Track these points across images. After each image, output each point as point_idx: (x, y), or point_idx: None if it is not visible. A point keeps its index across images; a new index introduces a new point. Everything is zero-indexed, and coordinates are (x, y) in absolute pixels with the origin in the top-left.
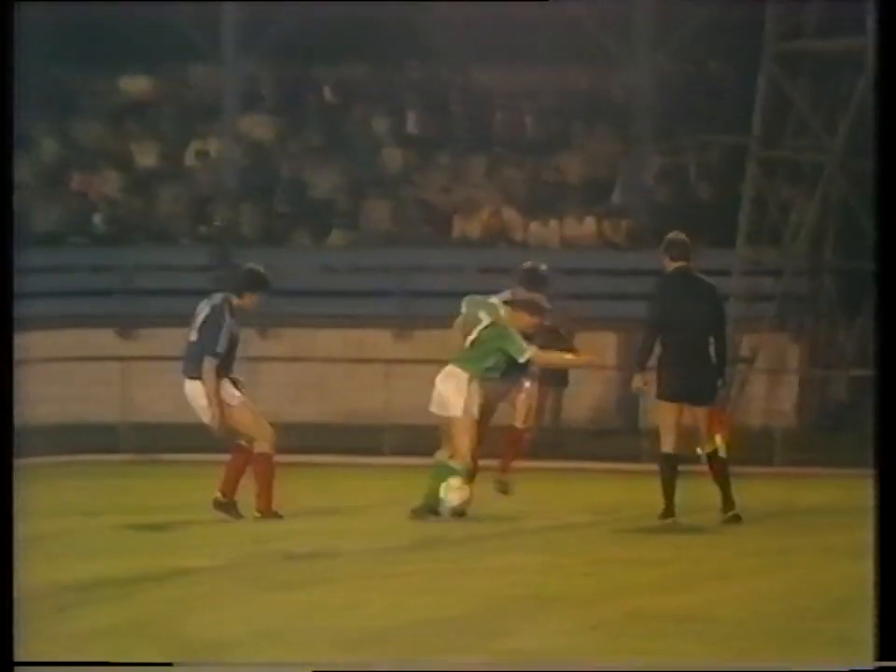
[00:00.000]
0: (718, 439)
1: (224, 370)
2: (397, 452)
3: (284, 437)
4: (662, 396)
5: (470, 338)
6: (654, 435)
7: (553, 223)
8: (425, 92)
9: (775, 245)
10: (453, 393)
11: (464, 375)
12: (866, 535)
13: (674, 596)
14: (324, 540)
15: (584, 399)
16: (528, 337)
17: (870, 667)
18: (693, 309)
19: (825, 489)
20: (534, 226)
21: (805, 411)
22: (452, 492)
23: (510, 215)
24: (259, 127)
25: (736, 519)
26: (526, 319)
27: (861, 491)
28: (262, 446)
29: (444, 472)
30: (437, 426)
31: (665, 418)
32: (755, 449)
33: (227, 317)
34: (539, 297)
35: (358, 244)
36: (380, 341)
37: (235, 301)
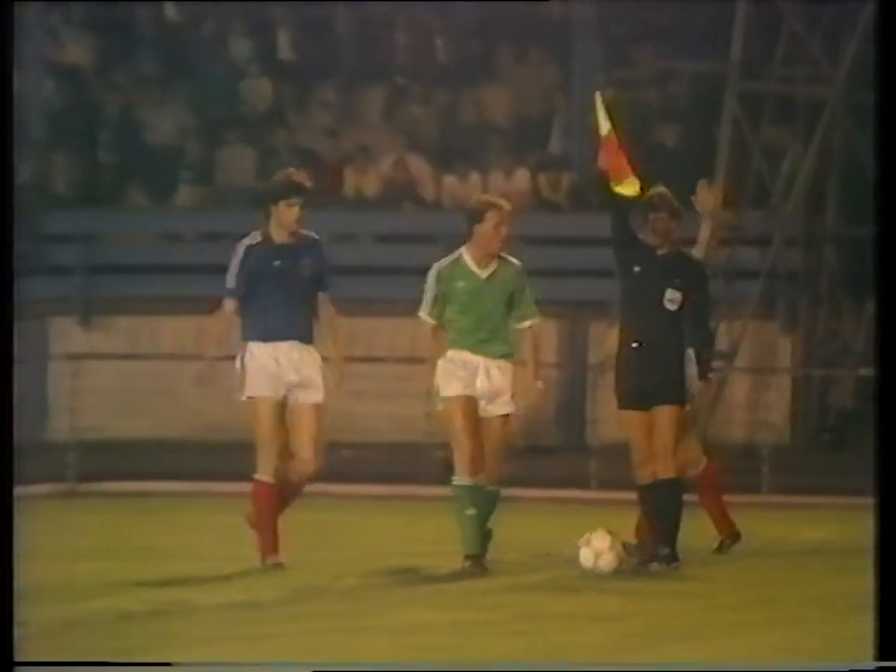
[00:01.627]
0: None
1: (255, 329)
2: None
3: (116, 457)
4: (678, 399)
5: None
6: (608, 453)
7: (475, 177)
8: (301, 6)
9: (760, 206)
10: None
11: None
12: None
13: (627, 660)
14: (170, 593)
15: None
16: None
17: (870, 667)
18: None
19: (825, 524)
20: (449, 181)
21: (800, 422)
22: (594, 553)
23: (417, 166)
24: (73, 51)
25: (651, 559)
26: None
27: (870, 526)
28: (259, 470)
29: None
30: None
31: (677, 432)
32: (736, 472)
33: (243, 244)
34: None
35: (214, 204)
36: None
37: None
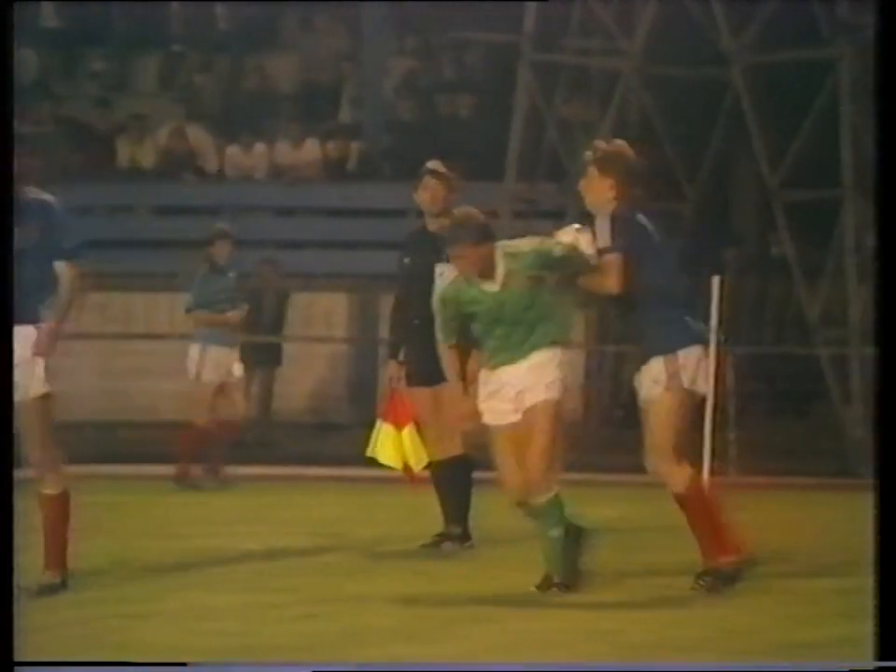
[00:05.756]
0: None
1: None
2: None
3: None
4: None
5: None
6: None
7: (260, 147)
8: None
9: (554, 179)
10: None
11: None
12: (682, 555)
13: (433, 644)
14: None
15: (302, 384)
16: None
17: (870, 667)
18: None
19: (618, 502)
20: (232, 150)
21: (593, 400)
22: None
23: (197, 136)
24: None
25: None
26: None
27: (657, 504)
28: None
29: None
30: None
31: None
32: None
33: None
34: None
35: None
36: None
37: None
